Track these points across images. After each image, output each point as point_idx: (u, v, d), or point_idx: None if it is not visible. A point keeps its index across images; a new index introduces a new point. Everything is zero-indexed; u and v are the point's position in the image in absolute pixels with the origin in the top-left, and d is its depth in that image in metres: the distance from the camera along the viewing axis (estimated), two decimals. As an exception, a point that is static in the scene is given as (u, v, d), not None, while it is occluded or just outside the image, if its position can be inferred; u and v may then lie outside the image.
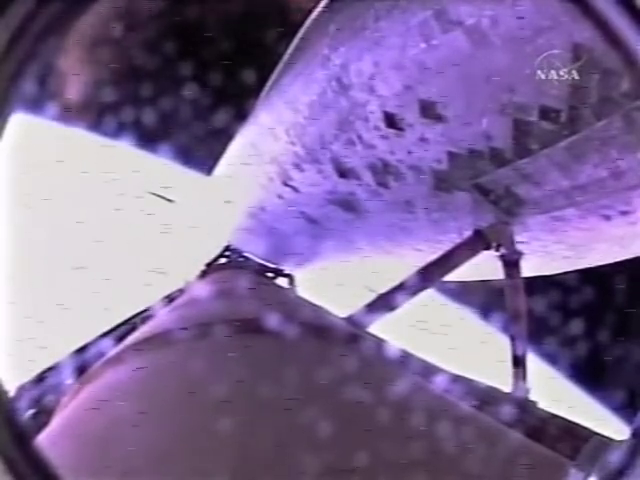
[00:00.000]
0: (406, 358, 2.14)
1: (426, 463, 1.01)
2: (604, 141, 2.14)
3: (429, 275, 2.84)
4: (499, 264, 2.87)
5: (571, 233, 2.89)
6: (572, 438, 1.84)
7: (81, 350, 3.13)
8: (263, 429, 1.05)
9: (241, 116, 4.24)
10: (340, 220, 4.04)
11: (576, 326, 3.38)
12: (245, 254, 6.19)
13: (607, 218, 2.62)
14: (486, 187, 2.73)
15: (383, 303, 2.79)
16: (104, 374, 1.57)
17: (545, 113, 2.18)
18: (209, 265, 5.78)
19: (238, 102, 3.97)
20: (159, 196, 6.61)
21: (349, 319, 2.70)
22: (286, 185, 4.16)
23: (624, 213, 2.55)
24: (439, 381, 1.85)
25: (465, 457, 1.02)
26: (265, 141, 4.05)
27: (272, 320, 1.65)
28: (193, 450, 1.00)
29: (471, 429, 1.24)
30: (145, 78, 3.72)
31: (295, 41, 3.27)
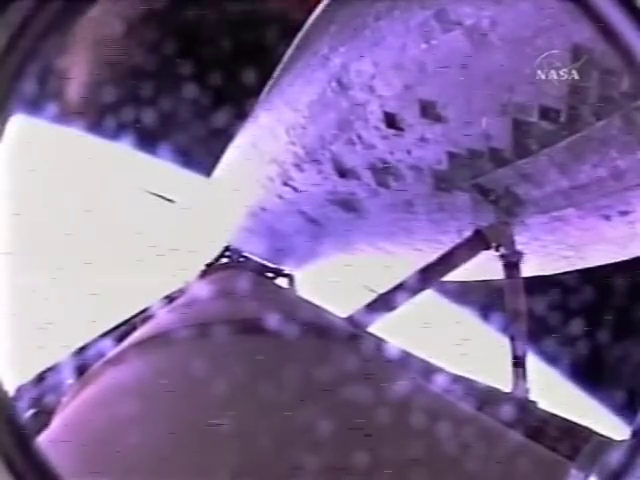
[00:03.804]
0: (406, 358, 2.14)
1: (426, 463, 1.01)
2: (604, 141, 2.14)
3: (429, 275, 2.84)
4: (499, 264, 2.87)
5: (571, 233, 2.89)
6: (572, 438, 1.84)
7: (81, 350, 3.13)
8: (263, 429, 1.05)
9: (241, 116, 4.23)
10: (340, 220, 4.04)
11: (576, 326, 3.38)
12: (245, 254, 6.19)
13: (607, 218, 2.62)
14: (486, 187, 2.73)
15: (383, 303, 2.79)
16: (104, 374, 1.57)
17: (545, 113, 2.18)
18: (209, 265, 5.79)
19: (238, 102, 3.97)
20: (159, 196, 6.61)
21: (349, 319, 2.70)
22: (286, 185, 4.16)
23: (624, 213, 2.55)
24: (439, 381, 1.85)
25: (465, 457, 1.02)
26: (265, 141, 4.05)
27: (272, 320, 1.65)
28: (193, 450, 1.00)
29: (471, 429, 1.24)
30: (145, 78, 3.72)
31: (295, 41, 3.28)
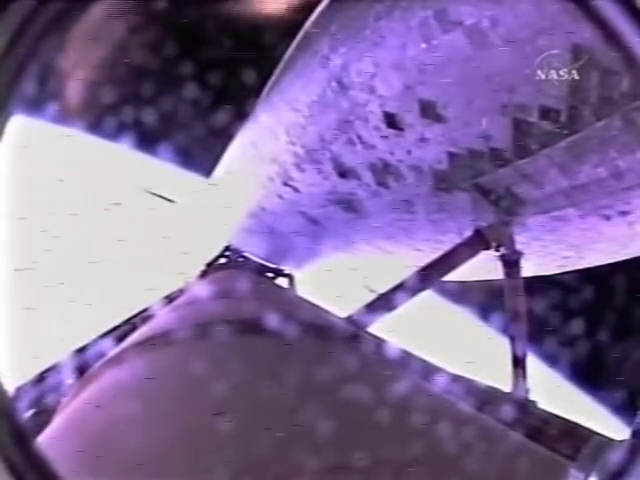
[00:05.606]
0: (406, 358, 2.14)
1: (426, 463, 1.01)
2: (604, 141, 2.14)
3: (429, 275, 2.84)
4: (499, 264, 2.87)
5: (571, 233, 2.89)
6: (572, 438, 1.84)
7: (81, 350, 3.13)
8: (263, 429, 1.05)
9: (241, 116, 4.23)
10: (340, 220, 4.04)
11: (576, 326, 3.38)
12: (245, 254, 6.19)
13: (607, 218, 2.62)
14: (486, 187, 2.73)
15: (383, 303, 2.79)
16: (104, 374, 1.57)
17: (545, 113, 2.18)
18: (209, 265, 5.79)
19: (238, 102, 3.97)
20: (159, 196, 6.61)
21: (349, 319, 2.70)
22: (286, 185, 4.16)
23: (624, 213, 2.55)
24: (439, 381, 1.85)
25: (465, 457, 1.02)
26: (265, 141, 4.05)
27: (272, 320, 1.65)
28: (193, 450, 1.00)
29: (471, 429, 1.24)
30: (145, 78, 3.72)
31: (295, 41, 3.27)
